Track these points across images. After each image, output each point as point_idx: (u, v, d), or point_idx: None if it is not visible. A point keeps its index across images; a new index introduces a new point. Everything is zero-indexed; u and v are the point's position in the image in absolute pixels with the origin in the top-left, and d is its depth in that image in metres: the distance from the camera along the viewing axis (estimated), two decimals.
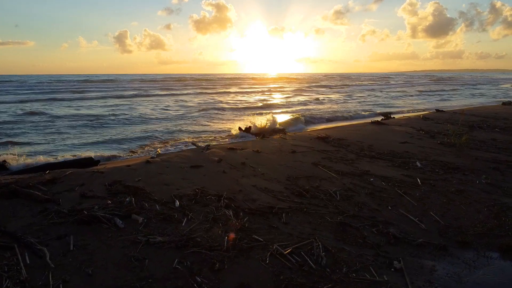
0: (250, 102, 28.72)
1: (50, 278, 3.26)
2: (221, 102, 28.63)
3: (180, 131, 14.38)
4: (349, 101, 29.86)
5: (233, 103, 27.89)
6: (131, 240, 4.00)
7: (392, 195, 5.85)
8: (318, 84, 64.19)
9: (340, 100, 31.21)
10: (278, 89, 48.54)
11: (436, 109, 19.85)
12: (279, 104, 27.48)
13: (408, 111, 22.30)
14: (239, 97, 34.20)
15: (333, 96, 35.24)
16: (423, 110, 21.67)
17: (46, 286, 3.16)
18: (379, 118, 15.57)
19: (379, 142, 9.99)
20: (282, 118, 17.26)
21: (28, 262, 3.52)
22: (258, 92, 43.24)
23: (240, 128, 13.57)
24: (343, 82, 73.64)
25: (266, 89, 48.77)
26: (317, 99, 31.32)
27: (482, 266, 3.90)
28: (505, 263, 4.01)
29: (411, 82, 73.50)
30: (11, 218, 4.56)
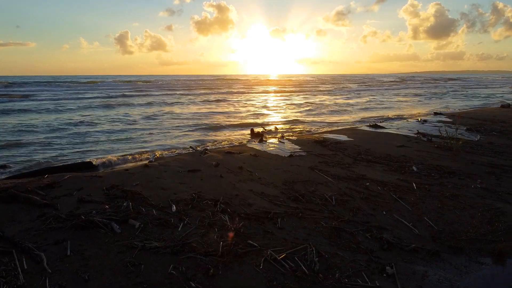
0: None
1: (47, 284, 3.32)
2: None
3: None
4: None
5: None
6: (127, 245, 4.06)
7: (387, 200, 5.90)
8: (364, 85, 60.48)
9: None
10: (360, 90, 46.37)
11: (434, 112, 19.92)
12: None
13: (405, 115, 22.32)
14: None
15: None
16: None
17: None
18: None
19: (377, 146, 10.05)
20: None
21: (26, 267, 3.58)
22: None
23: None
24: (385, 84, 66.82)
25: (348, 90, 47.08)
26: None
27: (473, 271, 3.95)
28: (497, 268, 4.07)
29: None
30: (9, 223, 4.62)
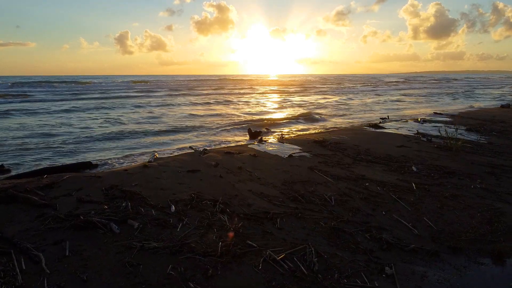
0: None
1: (46, 284, 3.31)
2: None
3: None
4: None
5: None
6: (126, 245, 4.05)
7: (386, 200, 5.89)
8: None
9: None
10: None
11: (434, 112, 19.92)
12: None
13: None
14: None
15: None
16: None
17: None
18: None
19: (376, 146, 10.04)
20: None
21: (24, 267, 3.57)
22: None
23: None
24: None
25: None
26: None
27: (473, 272, 3.94)
28: (496, 269, 4.06)
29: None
30: (8, 223, 4.62)
